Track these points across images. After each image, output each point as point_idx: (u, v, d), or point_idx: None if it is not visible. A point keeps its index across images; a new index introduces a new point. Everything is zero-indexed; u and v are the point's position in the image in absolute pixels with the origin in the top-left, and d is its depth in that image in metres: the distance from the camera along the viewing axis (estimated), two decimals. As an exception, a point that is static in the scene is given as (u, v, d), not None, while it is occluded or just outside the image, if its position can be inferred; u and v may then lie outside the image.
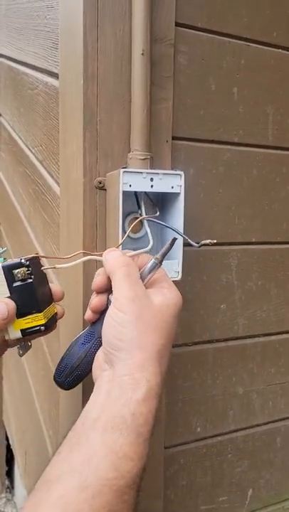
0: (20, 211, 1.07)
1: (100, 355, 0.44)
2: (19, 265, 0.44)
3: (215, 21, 0.62)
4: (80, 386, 0.50)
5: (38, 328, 0.46)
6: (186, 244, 0.54)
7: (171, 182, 0.55)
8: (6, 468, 1.72)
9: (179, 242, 0.55)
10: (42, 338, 0.83)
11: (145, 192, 0.56)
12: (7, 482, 1.73)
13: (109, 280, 0.45)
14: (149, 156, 0.55)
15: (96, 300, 0.47)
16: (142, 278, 0.45)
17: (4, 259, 0.46)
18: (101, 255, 0.47)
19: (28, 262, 0.45)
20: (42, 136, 0.79)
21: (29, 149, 0.93)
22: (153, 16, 0.55)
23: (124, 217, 0.56)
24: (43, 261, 0.49)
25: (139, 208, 0.57)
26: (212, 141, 0.65)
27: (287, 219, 0.73)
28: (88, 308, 0.48)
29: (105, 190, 0.56)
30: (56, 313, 0.50)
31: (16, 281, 0.45)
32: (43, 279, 0.47)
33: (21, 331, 0.46)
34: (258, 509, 0.78)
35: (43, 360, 0.87)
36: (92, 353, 0.46)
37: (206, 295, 0.67)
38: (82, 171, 0.56)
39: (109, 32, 0.54)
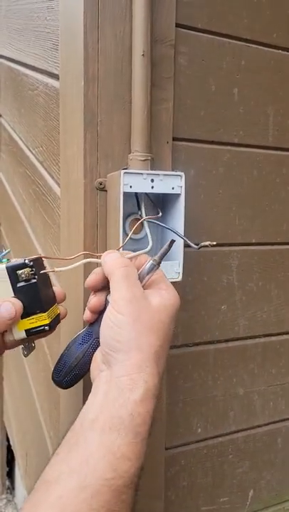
0: (21, 212, 1.07)
1: (97, 356, 0.45)
2: (23, 266, 0.45)
3: (215, 22, 0.62)
4: (80, 387, 0.51)
5: (42, 328, 0.47)
6: (186, 246, 0.54)
7: (171, 183, 0.55)
8: (7, 469, 1.72)
9: (180, 243, 0.55)
10: (43, 339, 0.84)
11: (146, 193, 0.56)
12: (8, 483, 1.73)
13: (104, 279, 0.45)
14: (149, 157, 0.55)
15: (94, 300, 0.47)
16: (140, 279, 0.45)
17: (8, 260, 0.46)
18: (100, 257, 0.47)
19: (31, 263, 0.45)
20: (42, 137, 0.79)
21: (29, 150, 0.93)
22: (153, 17, 0.55)
23: (125, 218, 0.56)
24: (45, 262, 0.49)
25: (140, 209, 0.57)
26: (212, 142, 0.65)
27: (287, 220, 0.73)
28: (86, 309, 0.48)
29: (106, 191, 0.56)
30: (59, 313, 0.50)
31: (19, 282, 0.45)
32: (46, 279, 0.48)
33: (26, 331, 0.46)
34: (259, 510, 0.78)
35: (43, 361, 0.87)
36: (90, 353, 0.47)
37: (207, 296, 0.67)
38: (82, 172, 0.56)
39: (109, 33, 0.54)
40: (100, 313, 0.47)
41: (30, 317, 0.46)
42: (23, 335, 0.46)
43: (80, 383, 0.51)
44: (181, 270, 0.56)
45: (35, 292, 0.45)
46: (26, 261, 0.45)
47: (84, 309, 0.50)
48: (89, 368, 0.46)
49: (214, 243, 0.48)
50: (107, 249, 0.57)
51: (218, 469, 0.73)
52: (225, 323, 0.70)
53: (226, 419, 0.72)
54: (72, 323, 0.58)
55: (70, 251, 0.62)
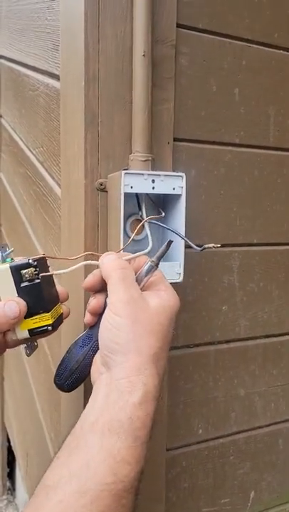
0: (21, 212, 1.07)
1: (97, 359, 0.45)
2: (27, 265, 0.44)
3: (216, 22, 0.62)
4: (81, 388, 0.50)
5: (45, 328, 0.46)
6: (187, 246, 0.54)
7: (172, 183, 0.55)
8: (8, 470, 1.72)
9: (181, 244, 0.55)
10: (44, 340, 0.83)
11: (146, 193, 0.56)
12: (8, 484, 1.73)
13: (102, 281, 0.45)
14: (150, 158, 0.55)
15: (94, 302, 0.47)
16: (139, 281, 0.45)
17: (12, 259, 0.46)
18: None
19: (35, 263, 0.45)
20: (43, 138, 0.79)
21: (30, 151, 0.93)
22: (154, 17, 0.55)
23: (126, 219, 0.56)
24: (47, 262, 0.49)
25: (140, 209, 0.57)
26: (213, 142, 0.65)
27: (288, 220, 0.73)
28: (87, 311, 0.48)
29: (106, 191, 0.56)
30: (62, 313, 0.50)
31: (23, 282, 0.45)
32: (49, 278, 0.47)
33: (29, 330, 0.46)
34: (259, 511, 0.78)
35: (44, 362, 0.87)
36: (91, 355, 0.46)
37: (208, 297, 0.67)
38: (83, 172, 0.56)
39: (110, 33, 0.54)
40: (100, 315, 0.47)
41: (34, 317, 0.46)
42: (26, 334, 0.46)
43: (81, 385, 0.50)
44: (181, 271, 0.56)
45: (38, 292, 0.45)
46: (30, 261, 0.44)
47: (85, 310, 0.50)
48: (90, 371, 0.46)
49: (219, 245, 0.47)
50: (107, 249, 0.57)
51: (219, 470, 0.73)
52: (226, 323, 0.69)
53: (227, 420, 0.72)
54: (73, 324, 0.58)
55: (71, 252, 0.62)
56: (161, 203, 0.58)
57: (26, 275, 0.44)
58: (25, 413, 1.19)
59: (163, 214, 0.57)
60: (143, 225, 0.55)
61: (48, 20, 0.73)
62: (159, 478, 0.66)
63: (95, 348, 0.46)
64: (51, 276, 0.48)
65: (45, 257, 0.47)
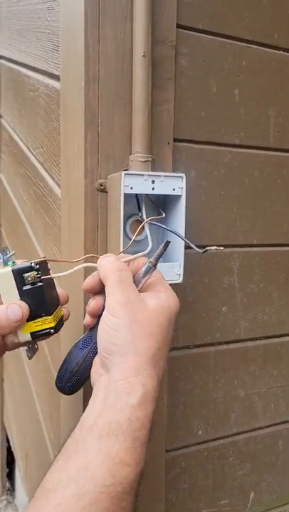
0: (21, 213, 1.07)
1: (97, 361, 0.44)
2: (29, 269, 0.44)
3: (216, 23, 0.62)
4: (80, 390, 0.50)
5: (47, 330, 0.46)
6: (187, 247, 0.54)
7: (172, 184, 0.55)
8: (7, 471, 1.72)
9: (181, 244, 0.55)
10: (43, 341, 0.83)
11: (146, 194, 0.56)
12: (8, 484, 1.73)
13: (101, 283, 0.45)
14: (150, 158, 0.55)
15: (93, 304, 0.47)
16: (137, 282, 0.45)
17: (13, 262, 0.46)
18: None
19: (38, 266, 0.45)
20: (43, 138, 0.79)
21: (30, 151, 0.93)
22: (154, 18, 0.55)
23: (126, 219, 0.56)
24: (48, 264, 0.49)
25: (140, 210, 0.57)
26: (213, 143, 0.65)
27: (288, 221, 0.73)
28: (86, 313, 0.48)
29: (106, 192, 0.56)
30: (63, 315, 0.50)
31: (26, 285, 0.45)
32: (50, 281, 0.47)
33: (31, 333, 0.46)
34: (259, 512, 0.78)
35: (43, 363, 0.87)
36: (90, 358, 0.46)
37: (208, 297, 0.67)
38: (83, 173, 0.55)
39: (110, 34, 0.54)
40: (99, 317, 0.46)
41: (36, 320, 0.46)
42: (29, 338, 0.46)
43: (81, 386, 0.50)
44: (181, 272, 0.56)
45: (40, 295, 0.45)
46: (33, 264, 0.44)
47: (84, 312, 0.50)
48: (90, 373, 0.46)
49: (222, 248, 0.47)
50: (107, 250, 0.57)
51: (219, 471, 0.73)
52: (226, 324, 0.69)
53: (227, 421, 0.72)
54: (73, 326, 0.58)
55: (71, 253, 0.61)
56: (161, 204, 0.58)
57: (29, 278, 0.44)
58: (24, 414, 1.19)
59: (164, 215, 0.57)
60: (143, 226, 0.55)
61: (48, 20, 0.73)
62: (159, 479, 0.66)
63: (95, 350, 0.46)
64: (52, 279, 0.48)
65: (46, 260, 0.47)
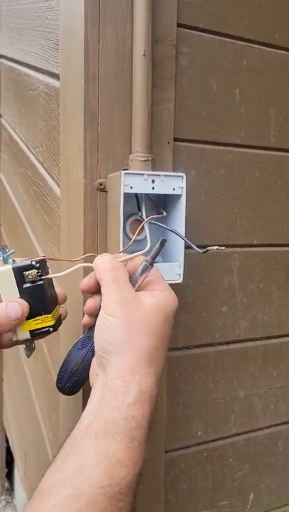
0: (21, 212, 1.07)
1: (94, 361, 0.44)
2: (30, 267, 0.45)
3: (217, 22, 0.62)
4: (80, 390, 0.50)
5: (47, 329, 0.47)
6: (187, 247, 0.54)
7: (172, 184, 0.54)
8: (6, 471, 1.71)
9: (181, 244, 0.55)
10: (42, 341, 0.83)
11: (146, 194, 0.56)
12: (7, 484, 1.72)
13: (98, 283, 0.45)
14: (150, 158, 0.55)
15: (90, 303, 0.47)
16: (134, 281, 0.44)
17: (13, 260, 0.46)
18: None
19: (38, 264, 0.45)
20: (43, 138, 0.79)
21: (30, 150, 0.93)
22: (154, 17, 0.55)
23: (125, 219, 0.56)
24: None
25: (140, 210, 0.57)
26: (214, 143, 0.64)
27: (288, 221, 0.73)
28: (84, 312, 0.47)
29: (106, 192, 0.56)
30: (61, 314, 0.50)
31: (26, 283, 0.45)
32: (49, 280, 0.48)
33: (30, 332, 0.46)
34: (259, 513, 0.78)
35: (43, 362, 0.87)
36: (89, 357, 0.46)
37: (208, 297, 0.67)
38: (82, 172, 0.55)
39: (110, 33, 0.54)
40: (97, 316, 0.46)
41: (35, 318, 0.46)
42: (28, 336, 0.46)
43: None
44: (181, 272, 0.56)
45: (41, 294, 0.45)
46: (33, 262, 0.45)
47: (83, 312, 0.49)
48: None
49: (223, 247, 0.47)
50: (107, 250, 0.56)
51: (219, 472, 0.72)
52: (226, 325, 0.69)
53: (227, 422, 0.72)
54: (72, 326, 0.58)
55: (70, 252, 0.61)
56: (161, 204, 0.58)
57: (29, 276, 0.44)
58: (24, 414, 1.19)
59: (164, 214, 0.56)
60: (144, 226, 0.55)
61: (48, 19, 0.73)
62: (158, 479, 0.66)
63: (94, 350, 0.46)
64: (51, 278, 0.48)
65: (45, 259, 0.47)
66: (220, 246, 0.47)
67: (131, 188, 0.52)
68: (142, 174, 0.53)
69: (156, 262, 0.55)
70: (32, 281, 0.45)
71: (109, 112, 0.55)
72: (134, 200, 0.56)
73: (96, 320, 0.46)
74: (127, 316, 0.40)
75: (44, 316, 0.46)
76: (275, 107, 0.68)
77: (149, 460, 0.63)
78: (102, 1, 0.53)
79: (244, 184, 0.68)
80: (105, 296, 0.42)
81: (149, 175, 0.53)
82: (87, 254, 0.49)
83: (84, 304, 0.54)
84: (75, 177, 0.58)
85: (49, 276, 0.46)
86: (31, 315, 0.45)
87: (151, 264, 0.45)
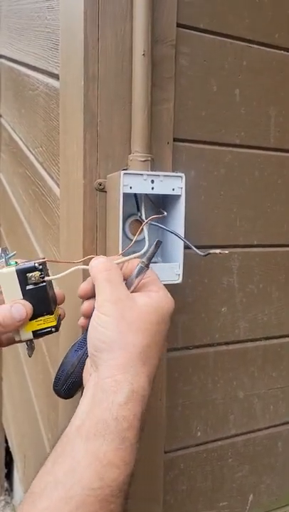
0: (20, 212, 1.07)
1: (88, 361, 0.44)
2: (33, 269, 0.45)
3: (216, 22, 0.62)
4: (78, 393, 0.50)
5: (49, 329, 0.47)
6: (187, 247, 0.54)
7: (172, 184, 0.54)
8: (5, 471, 1.71)
9: (180, 245, 0.55)
10: (42, 341, 0.83)
11: (146, 194, 0.56)
12: (6, 485, 1.72)
13: (94, 286, 0.45)
14: (149, 158, 0.55)
15: (86, 305, 0.47)
16: (130, 283, 0.44)
17: (16, 262, 0.46)
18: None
19: (41, 266, 0.45)
20: (42, 138, 0.79)
21: (29, 150, 0.92)
22: (154, 17, 0.54)
23: (125, 219, 0.56)
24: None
25: (139, 210, 0.57)
26: (213, 143, 0.64)
27: (288, 221, 0.73)
28: (80, 314, 0.48)
29: (105, 192, 0.56)
30: (60, 314, 0.51)
31: (28, 285, 0.45)
32: (50, 281, 0.48)
33: (33, 332, 0.47)
34: (258, 514, 0.78)
35: (42, 363, 0.87)
36: (85, 359, 0.46)
37: (207, 298, 0.67)
38: (82, 172, 0.55)
39: (110, 33, 0.54)
40: None
41: (38, 319, 0.46)
42: (30, 336, 0.47)
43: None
44: (181, 272, 0.56)
45: (43, 295, 0.46)
46: (36, 264, 0.45)
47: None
48: None
49: (226, 251, 0.47)
50: (106, 250, 0.56)
51: (218, 473, 0.72)
52: (225, 325, 0.69)
53: (226, 422, 0.72)
54: (71, 328, 0.57)
55: (70, 252, 0.61)
56: (161, 204, 0.58)
57: (32, 278, 0.45)
58: (23, 414, 1.18)
59: (165, 213, 0.56)
60: (140, 224, 0.55)
61: (48, 19, 0.73)
62: (157, 480, 0.65)
63: None
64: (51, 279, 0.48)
65: (46, 261, 0.47)
66: (222, 250, 0.46)
67: (130, 188, 0.52)
68: (141, 174, 0.52)
69: (155, 263, 0.56)
70: (35, 283, 0.45)
71: (108, 112, 0.55)
72: (134, 200, 0.56)
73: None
74: (121, 314, 0.40)
75: (46, 316, 0.47)
76: (275, 107, 0.68)
77: (147, 460, 0.63)
78: (102, 1, 0.53)
79: (244, 184, 0.67)
80: (99, 296, 0.42)
81: (148, 175, 0.53)
82: (88, 257, 0.49)
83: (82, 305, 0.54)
84: (74, 177, 0.58)
85: (49, 278, 0.47)
86: (34, 316, 0.46)
87: (147, 265, 0.45)
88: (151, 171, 0.55)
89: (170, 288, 0.46)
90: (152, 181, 0.53)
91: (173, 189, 0.54)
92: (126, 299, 0.42)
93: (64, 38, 0.61)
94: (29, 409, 1.04)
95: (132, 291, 0.44)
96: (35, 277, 0.45)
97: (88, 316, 0.47)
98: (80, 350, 0.47)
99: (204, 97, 0.62)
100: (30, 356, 0.51)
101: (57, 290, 0.50)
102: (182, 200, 0.55)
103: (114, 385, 0.37)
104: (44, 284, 0.46)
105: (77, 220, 0.57)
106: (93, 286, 0.45)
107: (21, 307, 0.45)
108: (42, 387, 0.90)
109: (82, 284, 0.47)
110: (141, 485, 0.62)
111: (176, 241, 0.55)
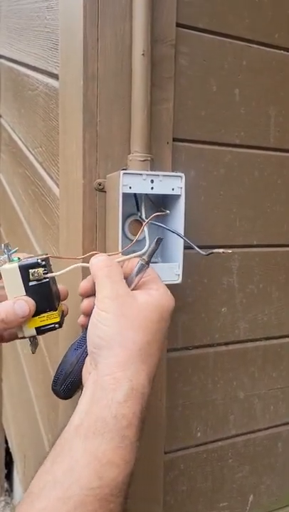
0: (20, 213, 1.07)
1: (87, 359, 0.44)
2: (36, 265, 0.45)
3: (216, 22, 0.62)
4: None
5: (53, 325, 0.47)
6: (186, 247, 0.54)
7: (171, 184, 0.54)
8: (5, 472, 1.71)
9: (180, 244, 0.55)
10: (41, 341, 0.83)
11: (146, 194, 0.56)
12: (6, 485, 1.72)
13: (95, 284, 0.45)
14: (149, 158, 0.55)
15: (86, 303, 0.47)
16: (130, 281, 0.44)
17: (18, 258, 0.46)
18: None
19: (44, 262, 0.45)
20: (42, 138, 0.79)
21: (29, 150, 0.92)
22: (154, 16, 0.54)
23: (124, 219, 0.56)
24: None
25: (139, 210, 0.57)
26: (213, 143, 0.64)
27: (288, 221, 0.73)
28: (81, 312, 0.47)
29: (105, 192, 0.56)
30: (63, 310, 0.50)
31: (31, 281, 0.45)
32: (54, 278, 0.48)
33: (36, 328, 0.47)
34: (258, 515, 0.77)
35: (42, 363, 0.86)
36: (84, 358, 0.46)
37: (207, 298, 0.67)
38: (81, 172, 0.55)
39: (109, 32, 0.54)
40: None
41: (41, 315, 0.46)
42: (34, 332, 0.47)
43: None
44: (180, 272, 0.56)
45: (46, 291, 0.46)
46: (39, 260, 0.45)
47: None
48: None
49: (230, 251, 0.47)
50: (106, 250, 0.56)
51: (218, 474, 0.72)
52: (225, 325, 0.69)
53: (226, 423, 0.72)
54: (71, 327, 0.57)
55: (69, 252, 0.61)
56: (161, 204, 0.58)
57: (35, 274, 0.45)
58: (23, 415, 1.18)
59: (168, 211, 0.56)
60: (140, 224, 0.55)
61: (48, 19, 0.73)
62: (157, 480, 0.65)
63: None
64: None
65: (49, 257, 0.47)
66: (226, 249, 0.46)
67: (130, 188, 0.51)
68: (140, 174, 0.52)
69: (155, 263, 0.55)
70: (38, 279, 0.45)
71: (108, 112, 0.55)
72: (133, 200, 0.56)
73: None
74: (120, 311, 0.40)
75: (50, 312, 0.46)
76: (275, 106, 0.68)
77: (147, 461, 0.63)
78: (101, 0, 0.53)
79: (244, 184, 0.67)
80: (99, 293, 0.42)
81: (148, 175, 0.53)
82: (92, 253, 0.49)
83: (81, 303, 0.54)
84: (73, 177, 0.58)
85: (51, 274, 0.46)
86: (37, 312, 0.46)
87: (148, 263, 0.45)
88: (151, 170, 0.55)
89: (170, 288, 0.46)
90: (152, 181, 0.53)
91: (172, 189, 0.54)
92: (126, 296, 0.41)
93: (63, 37, 0.61)
94: (29, 409, 1.04)
95: (133, 289, 0.44)
96: (38, 273, 0.45)
97: (88, 314, 0.46)
98: (79, 349, 0.47)
99: (204, 96, 0.62)
100: (33, 353, 0.51)
101: (60, 286, 0.50)
102: (182, 200, 0.55)
103: (113, 383, 0.37)
104: (47, 280, 0.45)
105: (77, 220, 0.57)
106: (93, 284, 0.45)
107: (24, 303, 0.44)
108: (42, 387, 0.90)
109: (82, 282, 0.47)
110: (141, 485, 0.62)
111: (175, 241, 0.55)
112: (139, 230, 0.55)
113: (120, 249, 0.51)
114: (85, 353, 0.46)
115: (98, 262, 0.44)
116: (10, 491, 1.71)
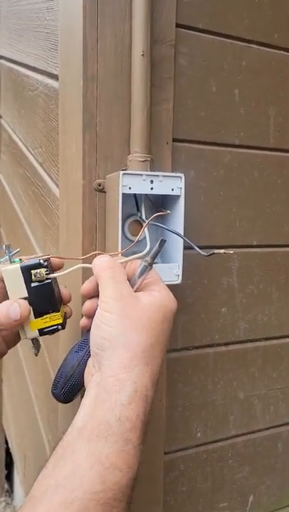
0: (20, 213, 1.07)
1: (90, 361, 0.44)
2: (38, 266, 0.45)
3: (216, 22, 0.62)
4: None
5: (55, 327, 0.47)
6: (186, 248, 0.54)
7: (171, 184, 0.54)
8: (6, 472, 1.71)
9: (180, 245, 0.55)
10: (42, 342, 0.83)
11: (146, 194, 0.56)
12: (6, 486, 1.72)
13: (97, 285, 0.45)
14: (149, 158, 0.55)
15: (88, 304, 0.47)
16: (133, 282, 0.44)
17: (20, 259, 0.46)
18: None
19: (46, 263, 0.45)
20: (42, 138, 0.79)
21: (29, 151, 0.92)
22: (153, 17, 0.54)
23: (124, 219, 0.56)
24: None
25: (139, 210, 0.57)
26: (213, 143, 0.64)
27: (288, 221, 0.73)
28: (82, 314, 0.47)
29: (105, 192, 0.56)
30: (66, 312, 0.50)
31: (33, 282, 0.45)
32: (55, 279, 0.48)
33: (39, 330, 0.46)
34: (259, 515, 0.77)
35: (42, 364, 0.86)
36: (86, 361, 0.45)
37: (207, 298, 0.67)
38: (81, 173, 0.55)
39: (109, 33, 0.54)
40: None
41: (44, 317, 0.46)
42: (36, 334, 0.46)
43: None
44: (180, 272, 0.56)
45: (48, 292, 0.45)
46: (41, 261, 0.45)
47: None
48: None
49: (231, 251, 0.46)
50: (106, 251, 0.56)
51: (218, 474, 0.72)
52: (225, 326, 0.69)
53: (226, 423, 0.71)
54: (72, 329, 0.57)
55: (69, 253, 0.61)
56: (160, 204, 0.58)
57: (37, 275, 0.44)
58: (23, 415, 1.18)
59: (168, 211, 0.56)
60: (140, 225, 0.55)
61: (47, 20, 0.73)
62: (157, 481, 0.65)
63: (90, 352, 0.45)
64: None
65: (50, 258, 0.47)
66: (227, 250, 0.46)
67: (129, 188, 0.52)
68: (140, 175, 0.52)
69: (155, 263, 0.55)
70: (40, 280, 0.45)
71: (107, 113, 0.55)
72: (133, 200, 0.56)
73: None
74: (124, 312, 0.40)
75: (52, 314, 0.46)
76: (275, 107, 0.68)
77: (147, 462, 0.63)
78: (101, 1, 0.53)
79: (243, 184, 0.67)
80: (102, 294, 0.42)
81: (147, 175, 0.53)
82: (94, 252, 0.49)
83: (82, 306, 0.54)
84: (73, 178, 0.58)
85: (53, 275, 0.46)
86: (39, 313, 0.46)
87: (151, 264, 0.45)
88: (151, 171, 0.55)
89: (169, 288, 0.46)
90: (152, 181, 0.53)
91: (172, 189, 0.54)
92: (130, 297, 0.41)
93: (63, 38, 0.61)
94: (29, 410, 1.04)
95: (135, 291, 0.44)
96: (40, 274, 0.44)
97: (90, 316, 0.46)
98: (81, 351, 0.46)
99: (204, 97, 0.62)
100: (36, 355, 0.50)
101: (63, 288, 0.50)
102: (182, 200, 0.55)
103: (117, 384, 0.37)
104: (49, 281, 0.45)
105: (77, 221, 0.57)
106: (96, 285, 0.45)
107: (17, 307, 0.44)
108: (42, 388, 0.90)
109: (84, 283, 0.47)
110: (141, 486, 0.62)
111: (175, 241, 0.55)
112: (139, 231, 0.56)
113: (120, 250, 0.51)
114: (87, 356, 0.45)
115: (101, 262, 0.44)
116: (10, 491, 1.71)
